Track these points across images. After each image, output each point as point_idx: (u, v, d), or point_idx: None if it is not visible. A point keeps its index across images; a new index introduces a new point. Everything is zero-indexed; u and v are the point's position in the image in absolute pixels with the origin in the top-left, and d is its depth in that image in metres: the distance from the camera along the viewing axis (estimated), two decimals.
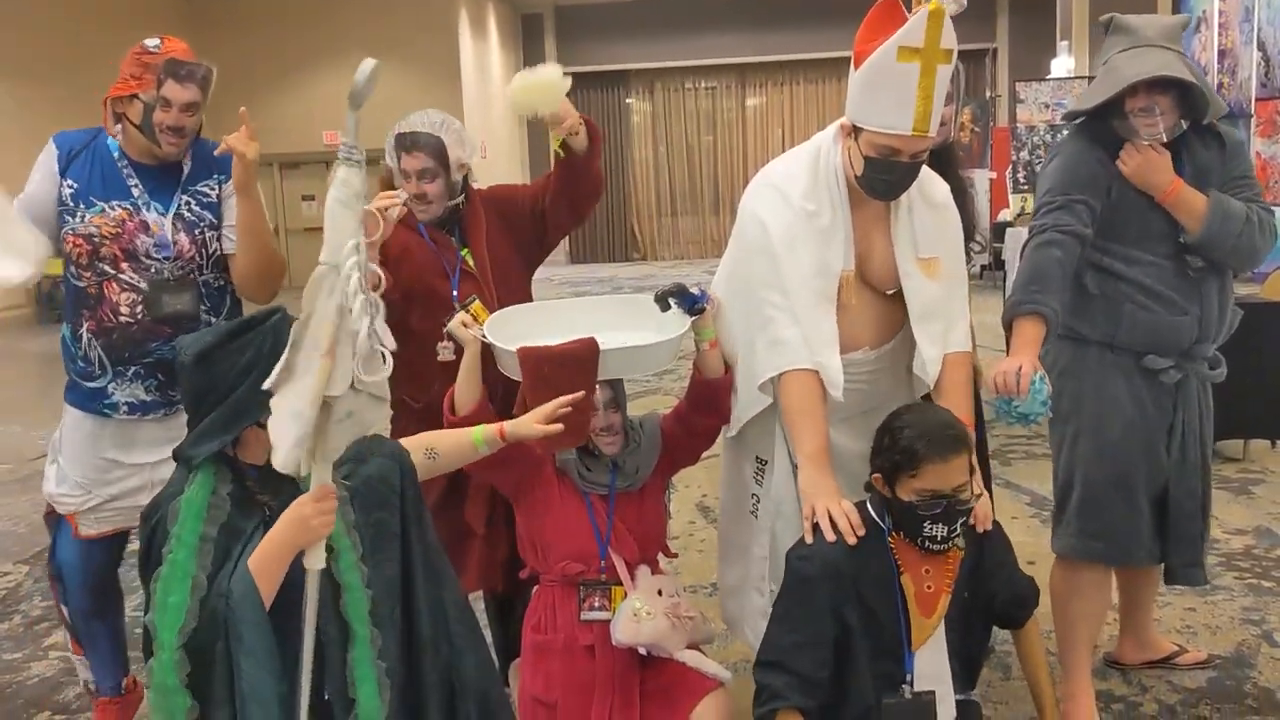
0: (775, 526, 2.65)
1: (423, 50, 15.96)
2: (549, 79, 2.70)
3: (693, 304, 2.54)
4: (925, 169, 2.65)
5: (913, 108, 2.31)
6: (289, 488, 2.04)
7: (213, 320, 2.83)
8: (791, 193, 2.52)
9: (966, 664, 2.41)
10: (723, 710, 2.47)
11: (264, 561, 1.93)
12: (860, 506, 2.33)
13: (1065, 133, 2.93)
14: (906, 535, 2.25)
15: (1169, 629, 3.52)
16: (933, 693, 2.28)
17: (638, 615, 2.46)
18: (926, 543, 2.23)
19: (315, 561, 1.95)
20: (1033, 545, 3.89)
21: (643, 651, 2.50)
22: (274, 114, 16.53)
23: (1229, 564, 4.07)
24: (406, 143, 2.83)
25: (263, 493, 2.05)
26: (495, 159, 16.83)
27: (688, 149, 19.98)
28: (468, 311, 2.71)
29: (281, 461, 1.84)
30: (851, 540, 2.29)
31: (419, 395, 2.88)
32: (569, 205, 2.96)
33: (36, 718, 3.35)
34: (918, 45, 2.28)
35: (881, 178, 2.41)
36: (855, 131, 2.42)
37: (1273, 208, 2.78)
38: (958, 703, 2.36)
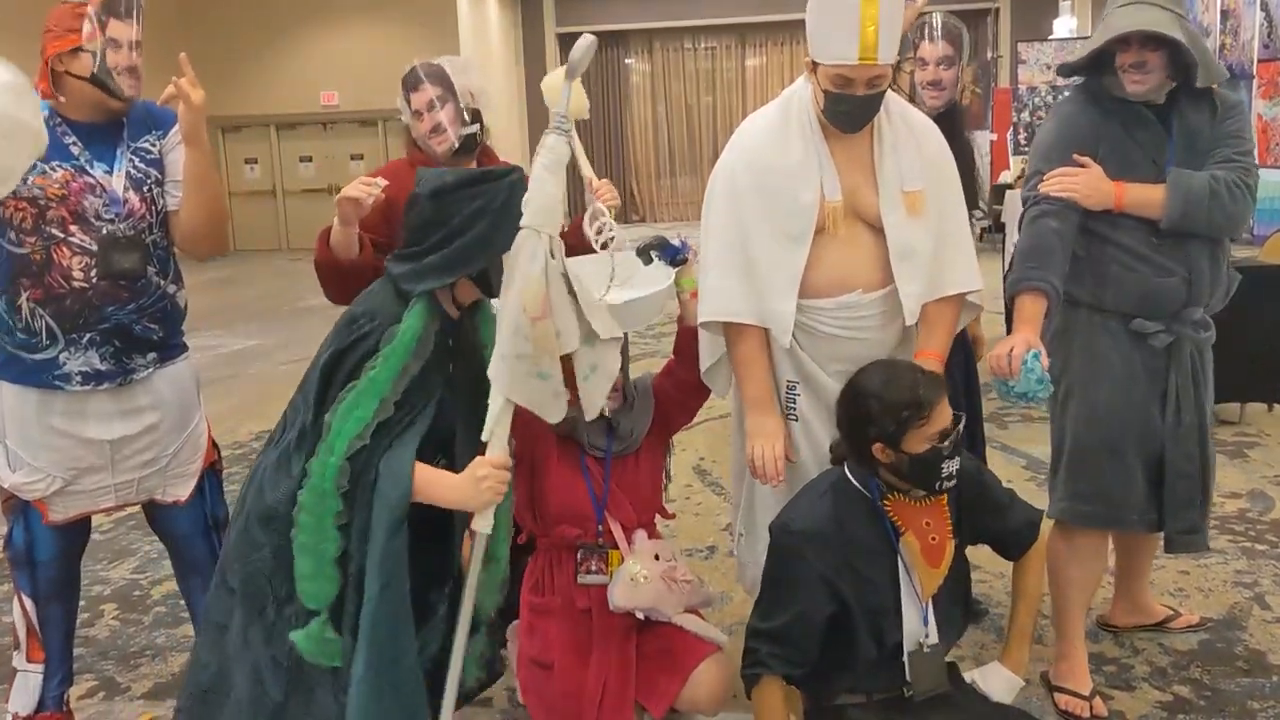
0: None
1: (418, 9, 15.77)
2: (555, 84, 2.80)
3: (674, 255, 2.58)
4: (922, 118, 2.64)
5: (858, 36, 2.31)
6: (473, 354, 2.21)
7: (161, 282, 2.75)
8: (753, 135, 2.57)
9: (961, 602, 2.43)
10: (720, 674, 2.49)
11: (425, 490, 2.07)
12: (839, 482, 2.32)
13: (1066, 93, 2.90)
14: (922, 485, 2.24)
15: (1162, 591, 3.55)
16: (944, 645, 2.33)
17: (635, 580, 2.48)
18: (943, 484, 2.23)
19: (484, 525, 2.09)
20: None
21: (640, 615, 2.52)
22: (271, 75, 16.37)
23: (1223, 527, 4.09)
24: (411, 81, 2.86)
25: (453, 342, 2.20)
26: (494, 117, 16.70)
27: (687, 109, 19.80)
28: None
29: (554, 413, 2.06)
30: (775, 484, 2.47)
31: None
32: None
33: None
34: None
35: (840, 110, 2.43)
36: (815, 66, 2.44)
37: (1255, 168, 2.70)
38: None
